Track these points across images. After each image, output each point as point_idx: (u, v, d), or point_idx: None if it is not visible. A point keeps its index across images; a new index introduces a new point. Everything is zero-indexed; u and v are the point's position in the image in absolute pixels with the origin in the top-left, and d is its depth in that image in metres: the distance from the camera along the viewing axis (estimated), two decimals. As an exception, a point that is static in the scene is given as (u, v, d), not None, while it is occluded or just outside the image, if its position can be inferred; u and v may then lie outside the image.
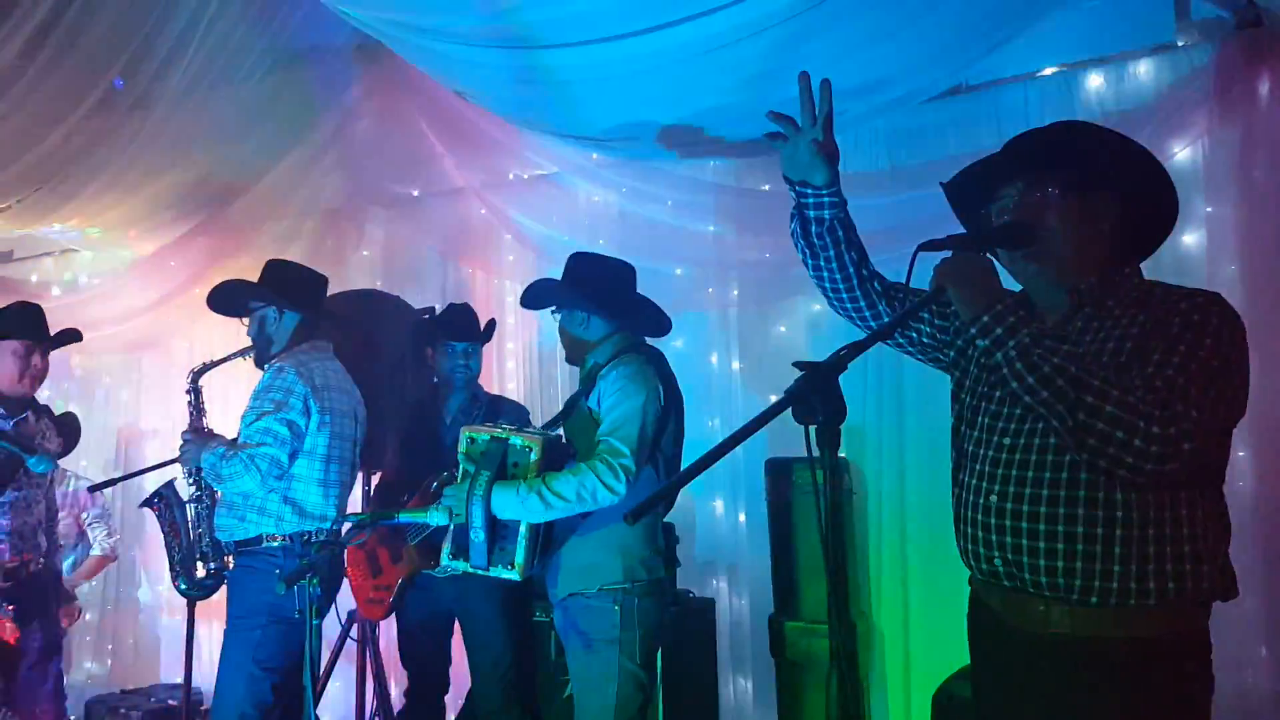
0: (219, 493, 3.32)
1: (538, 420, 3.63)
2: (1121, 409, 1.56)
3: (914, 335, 2.06)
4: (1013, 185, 1.83)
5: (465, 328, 3.66)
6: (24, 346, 3.38)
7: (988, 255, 1.83)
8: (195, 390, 3.48)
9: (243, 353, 3.41)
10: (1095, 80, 3.54)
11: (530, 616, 3.66)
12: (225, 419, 4.69)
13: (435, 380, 3.71)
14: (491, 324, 3.80)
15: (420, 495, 3.42)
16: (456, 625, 3.61)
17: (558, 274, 2.96)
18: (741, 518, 4.07)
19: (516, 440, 2.57)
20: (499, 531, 2.53)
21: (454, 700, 3.76)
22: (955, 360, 1.99)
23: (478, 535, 2.49)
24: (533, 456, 2.55)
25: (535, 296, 2.90)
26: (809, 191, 2.00)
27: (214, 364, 3.49)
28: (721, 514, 4.12)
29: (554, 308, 2.90)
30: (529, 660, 3.61)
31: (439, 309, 3.97)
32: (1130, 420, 1.56)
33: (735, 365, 4.18)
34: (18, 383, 3.38)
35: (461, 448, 2.62)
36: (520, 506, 2.49)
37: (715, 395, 4.11)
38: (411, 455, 3.65)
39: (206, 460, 3.10)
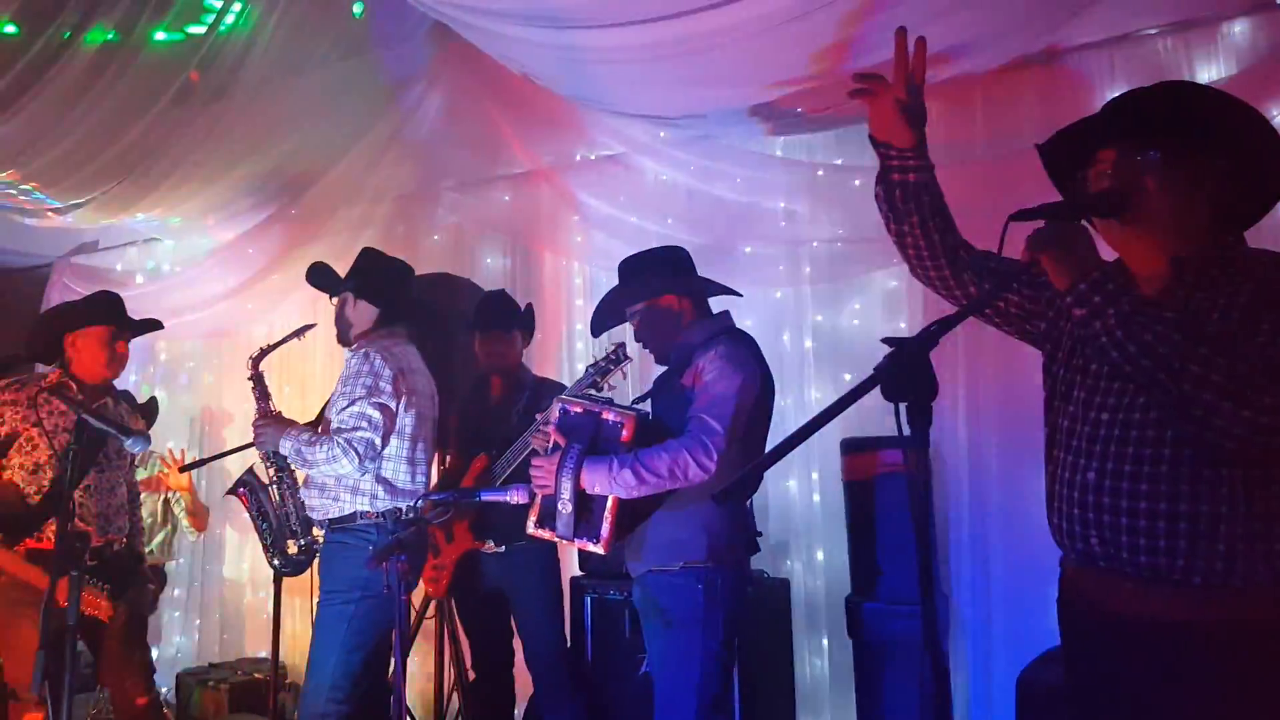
0: (302, 474, 3.40)
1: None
2: (1229, 379, 1.50)
3: (1002, 307, 2.00)
4: (1111, 148, 1.75)
5: (497, 316, 3.70)
6: (107, 333, 3.48)
7: (1083, 223, 1.77)
8: (257, 376, 3.59)
9: (297, 334, 3.54)
10: (1189, 41, 3.38)
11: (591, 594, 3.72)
12: (304, 402, 4.83)
13: (480, 365, 3.81)
14: (528, 309, 3.87)
15: (472, 476, 3.51)
16: None
17: (625, 253, 2.98)
18: (816, 497, 4.03)
19: (609, 416, 2.56)
20: (586, 504, 2.52)
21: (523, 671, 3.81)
22: (1047, 333, 1.92)
23: (565, 507, 2.50)
24: (624, 432, 2.54)
25: (629, 294, 2.86)
26: (893, 153, 1.96)
27: (271, 348, 3.63)
28: (796, 494, 4.08)
29: (643, 309, 2.84)
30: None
31: (509, 292, 4.02)
32: (1238, 391, 1.49)
33: (807, 344, 4.12)
34: (104, 369, 3.48)
35: (553, 419, 2.62)
36: (611, 481, 2.48)
37: (787, 375, 4.05)
38: (466, 437, 3.76)
39: (287, 446, 3.18)
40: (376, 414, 3.11)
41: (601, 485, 2.50)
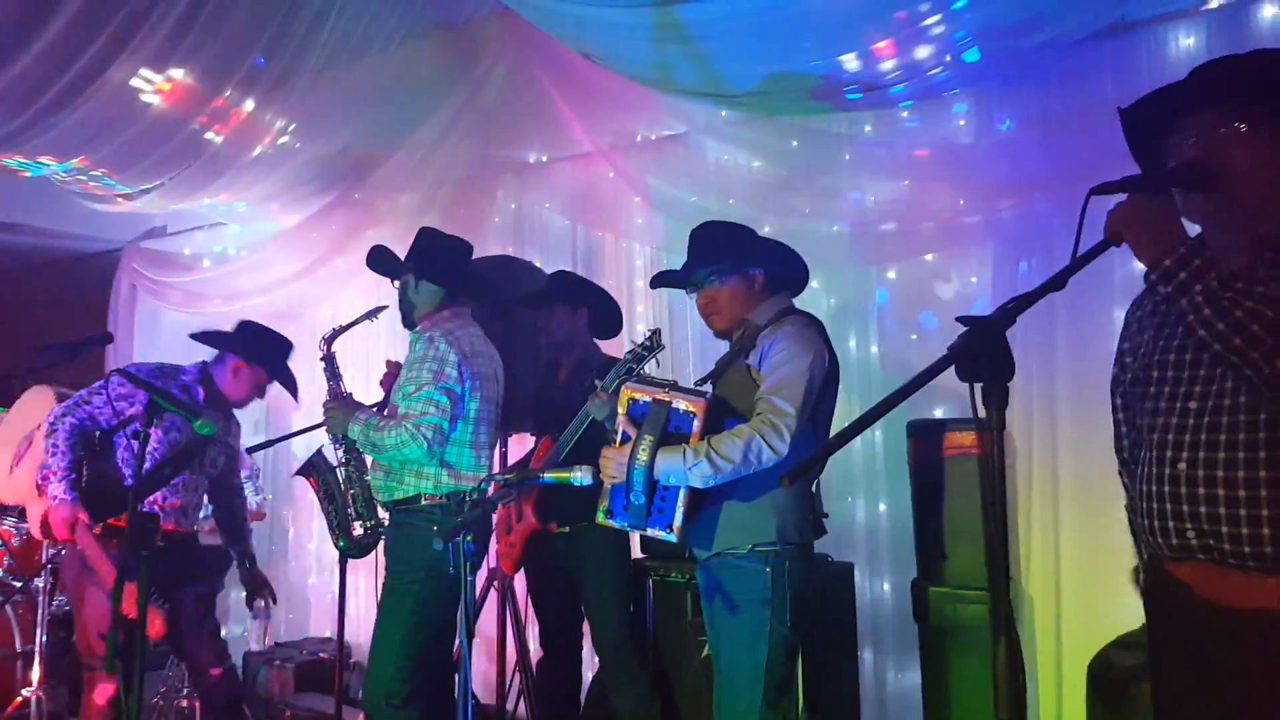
0: (368, 455, 3.45)
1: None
2: None
3: None
4: (1197, 118, 1.68)
5: (538, 295, 3.70)
6: (264, 376, 3.73)
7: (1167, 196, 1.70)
8: (330, 357, 3.64)
9: (370, 315, 3.58)
10: (1270, 11, 3.25)
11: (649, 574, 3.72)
12: (368, 385, 4.89)
13: (547, 345, 3.78)
14: (566, 277, 3.82)
15: (537, 458, 3.52)
16: None
17: (686, 234, 2.90)
18: (882, 481, 3.97)
19: (679, 404, 2.52)
20: (659, 493, 2.51)
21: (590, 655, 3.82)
22: (1118, 348, 1.88)
23: (638, 498, 2.48)
24: (694, 423, 2.51)
25: (715, 261, 2.76)
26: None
27: (344, 329, 3.67)
28: (860, 477, 4.03)
29: (717, 278, 2.75)
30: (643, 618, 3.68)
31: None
32: None
33: (872, 326, 4.06)
34: (242, 399, 3.74)
35: (621, 408, 2.59)
36: (686, 473, 2.45)
37: (853, 357, 4.00)
38: (536, 419, 3.77)
39: (356, 430, 3.23)
40: (444, 398, 3.13)
41: (676, 476, 2.47)
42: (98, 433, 3.41)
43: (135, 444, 3.16)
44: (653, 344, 3.04)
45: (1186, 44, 3.36)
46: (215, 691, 3.60)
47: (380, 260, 3.50)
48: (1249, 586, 1.59)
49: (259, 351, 3.71)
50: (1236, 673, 1.61)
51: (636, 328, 4.63)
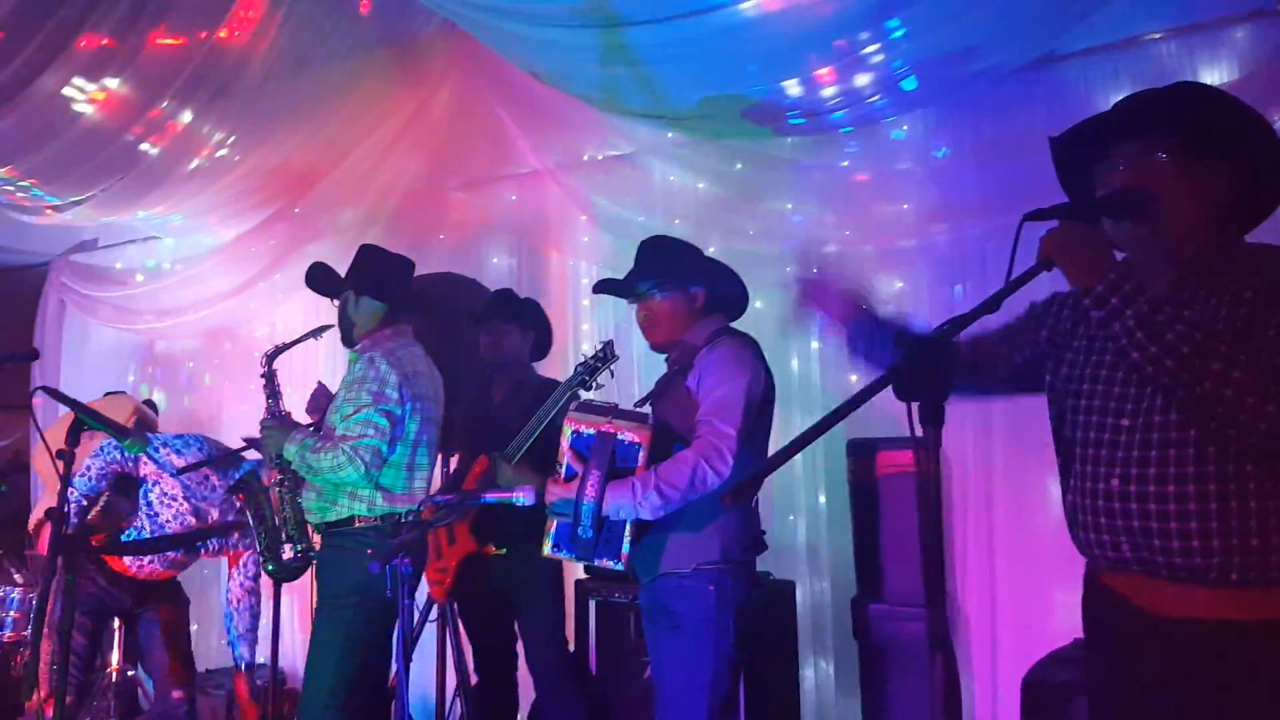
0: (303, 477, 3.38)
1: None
2: (1250, 374, 1.50)
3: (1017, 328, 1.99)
4: (1123, 148, 1.75)
5: (496, 305, 3.71)
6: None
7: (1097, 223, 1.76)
8: (270, 374, 3.55)
9: (314, 334, 3.50)
10: (1191, 48, 3.39)
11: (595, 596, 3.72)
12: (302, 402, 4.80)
13: (484, 363, 3.77)
14: (527, 303, 3.83)
15: (472, 478, 3.49)
16: None
17: (632, 253, 2.92)
18: (821, 499, 4.02)
19: (625, 435, 2.50)
20: (606, 525, 2.49)
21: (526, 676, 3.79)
22: (1050, 339, 1.92)
23: (586, 533, 2.45)
24: (640, 454, 2.49)
25: (661, 273, 2.76)
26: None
27: (287, 346, 3.58)
28: (801, 496, 4.07)
29: (660, 291, 2.75)
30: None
31: (515, 291, 4.00)
32: (1261, 385, 1.50)
33: (814, 345, 4.11)
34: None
35: (566, 440, 2.54)
36: (637, 506, 2.44)
37: (795, 377, 4.05)
38: (470, 438, 3.73)
39: (291, 450, 3.16)
40: (383, 420, 3.07)
41: (626, 511, 2.46)
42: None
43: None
44: (606, 354, 3.04)
45: (1114, 76, 3.49)
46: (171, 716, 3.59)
47: (319, 278, 3.43)
48: (1181, 597, 1.63)
49: None
50: (1171, 683, 1.65)
51: (581, 347, 4.63)
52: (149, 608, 3.87)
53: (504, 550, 3.51)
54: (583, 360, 3.06)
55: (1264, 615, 1.58)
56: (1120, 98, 1.82)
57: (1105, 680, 1.81)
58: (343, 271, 3.40)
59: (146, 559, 3.76)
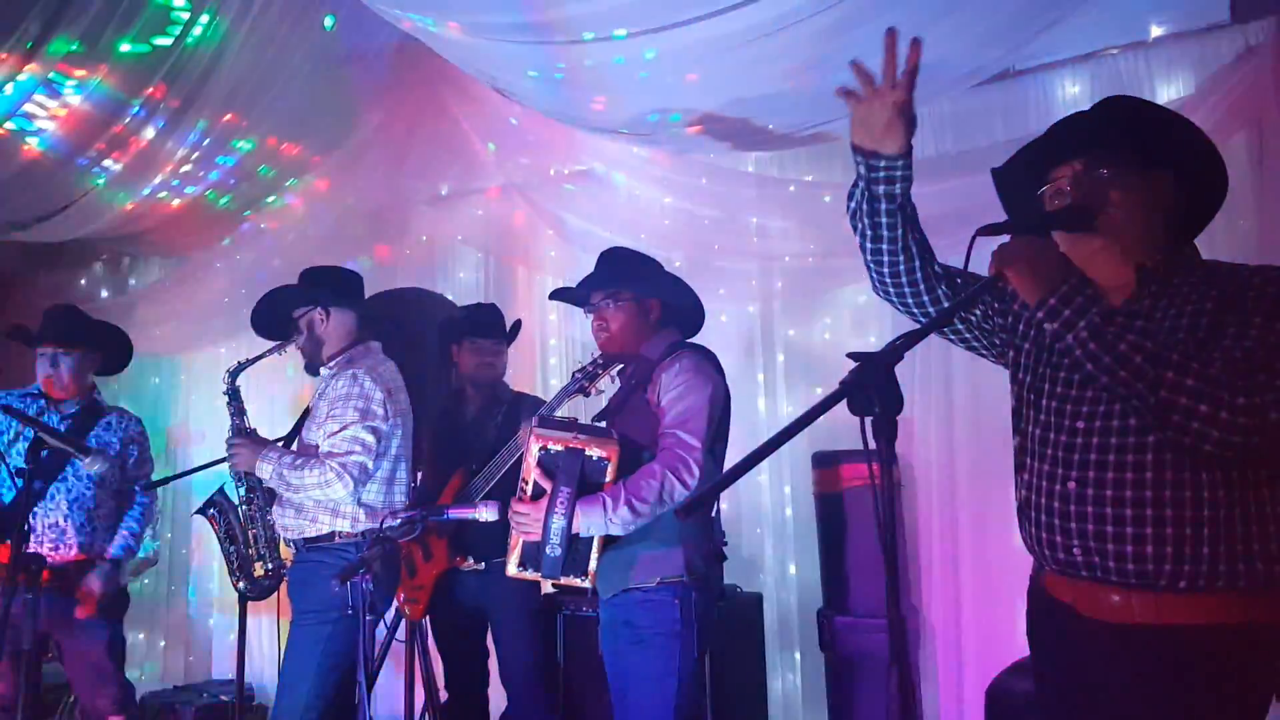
0: (276, 494, 3.33)
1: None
2: (1203, 382, 1.53)
3: (971, 320, 1.99)
4: (1068, 166, 1.78)
5: (491, 325, 3.68)
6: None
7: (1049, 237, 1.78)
8: (233, 391, 3.49)
9: (277, 349, 3.40)
10: (1147, 62, 3.46)
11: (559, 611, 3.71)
12: (273, 420, 4.77)
13: (457, 378, 3.74)
14: (517, 324, 3.82)
15: (448, 493, 3.47)
16: None
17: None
18: (788, 511, 4.04)
19: (593, 451, 2.49)
20: (574, 544, 2.47)
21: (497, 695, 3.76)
22: (1010, 343, 1.93)
23: (554, 551, 2.44)
24: (609, 469, 2.49)
25: (621, 282, 2.74)
26: (881, 164, 1.81)
27: (249, 362, 3.49)
28: (768, 508, 4.09)
29: (614, 301, 2.75)
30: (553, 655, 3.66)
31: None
32: (1213, 393, 1.52)
33: (779, 358, 4.14)
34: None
35: (532, 457, 2.52)
36: (608, 523, 2.44)
37: (759, 389, 4.07)
38: (440, 453, 3.70)
39: (267, 469, 3.10)
40: (370, 437, 3.04)
41: (597, 527, 2.45)
42: None
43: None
44: (606, 360, 3.01)
45: (1072, 91, 3.56)
46: None
47: (269, 317, 3.31)
48: (1129, 603, 1.65)
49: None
50: (1113, 686, 1.67)
51: (549, 361, 4.63)
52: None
53: (482, 564, 3.49)
54: (580, 367, 3.03)
55: (1207, 620, 1.60)
56: (1052, 124, 1.85)
57: (1055, 689, 1.82)
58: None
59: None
